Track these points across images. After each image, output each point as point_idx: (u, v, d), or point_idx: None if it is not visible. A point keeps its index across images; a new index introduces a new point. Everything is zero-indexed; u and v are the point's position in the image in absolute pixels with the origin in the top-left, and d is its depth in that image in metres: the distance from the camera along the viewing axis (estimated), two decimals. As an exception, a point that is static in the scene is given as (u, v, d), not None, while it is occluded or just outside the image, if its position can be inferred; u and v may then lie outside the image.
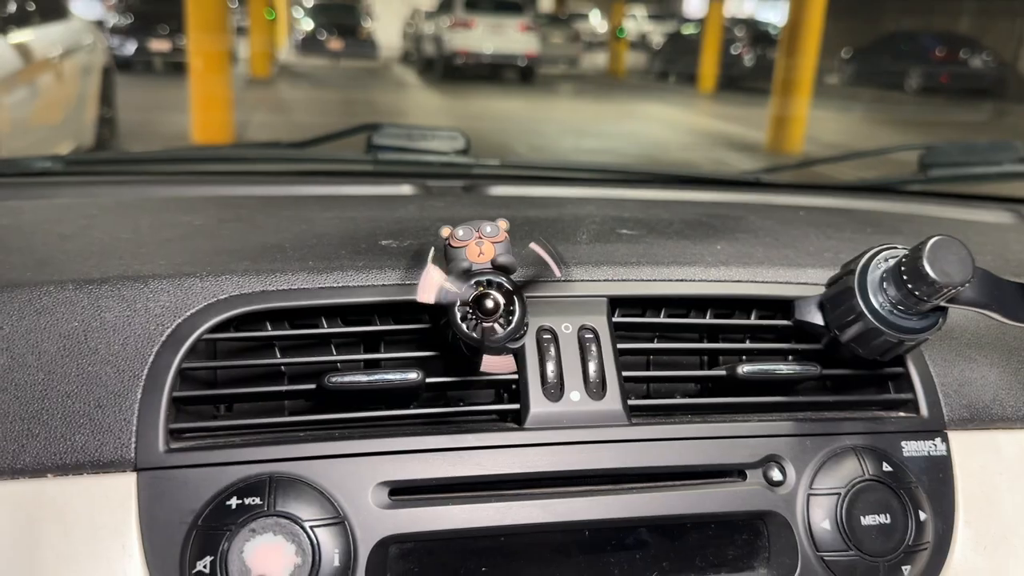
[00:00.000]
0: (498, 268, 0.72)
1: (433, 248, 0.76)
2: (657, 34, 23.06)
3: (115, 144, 6.32)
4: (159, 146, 7.29)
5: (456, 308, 0.69)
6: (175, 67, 11.85)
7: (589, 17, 28.10)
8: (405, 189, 1.40)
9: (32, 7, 5.20)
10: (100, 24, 10.41)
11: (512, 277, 0.71)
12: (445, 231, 0.73)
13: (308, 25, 19.30)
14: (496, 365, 0.69)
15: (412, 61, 18.79)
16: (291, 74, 15.12)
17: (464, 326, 0.69)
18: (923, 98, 15.43)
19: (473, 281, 0.70)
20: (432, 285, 0.69)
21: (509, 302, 0.70)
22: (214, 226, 0.94)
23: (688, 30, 18.98)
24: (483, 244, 0.72)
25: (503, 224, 0.74)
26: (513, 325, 0.70)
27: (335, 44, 18.13)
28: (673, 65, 18.28)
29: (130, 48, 12.40)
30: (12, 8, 4.95)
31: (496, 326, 0.69)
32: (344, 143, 1.73)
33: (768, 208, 1.25)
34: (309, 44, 18.62)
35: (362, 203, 1.19)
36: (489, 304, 0.69)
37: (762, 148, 9.51)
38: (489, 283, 0.70)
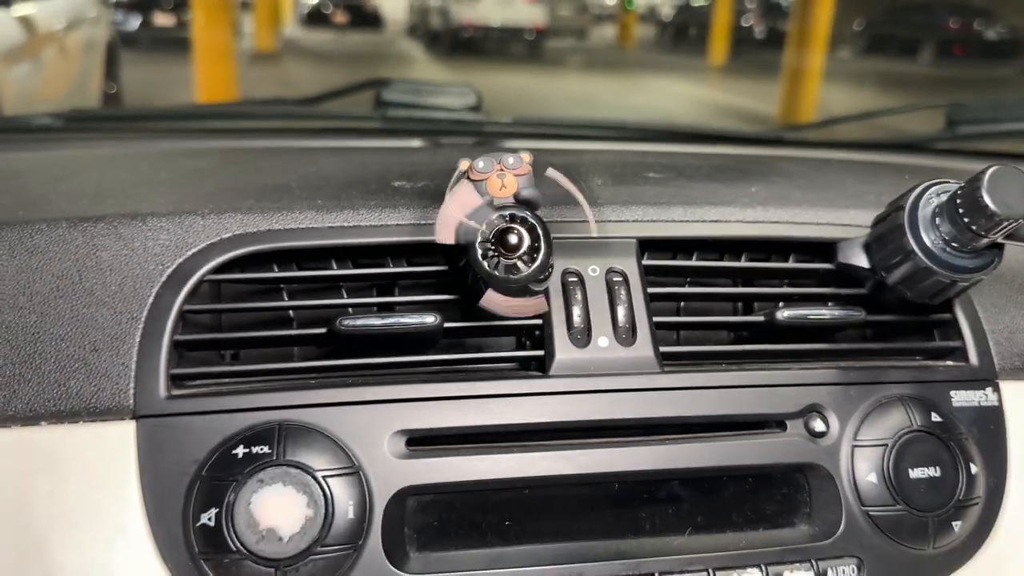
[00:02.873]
0: (521, 203, 0.67)
1: (452, 181, 0.71)
2: (667, 5, 22.77)
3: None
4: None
5: (477, 245, 0.64)
6: (179, 42, 11.77)
7: (597, -11, 27.77)
8: (415, 144, 1.35)
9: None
10: (104, -2, 10.32)
11: (537, 213, 0.66)
12: (464, 163, 0.68)
13: (313, -1, 19.16)
14: (499, 303, 0.65)
15: (418, 34, 18.62)
16: (296, 49, 15.00)
17: (485, 264, 0.64)
18: (936, 70, 15.21)
19: (495, 215, 0.65)
20: (451, 221, 0.64)
21: (534, 238, 0.65)
22: (216, 167, 0.89)
23: (698, 1, 18.74)
24: (505, 176, 0.67)
25: (526, 156, 0.68)
26: (539, 263, 0.65)
27: (340, 17, 17.99)
28: (683, 37, 18.07)
29: (134, 23, 12.30)
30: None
31: (519, 263, 0.64)
32: (352, 100, 1.68)
33: (800, 159, 1.19)
34: (314, 18, 18.48)
35: (372, 152, 1.14)
36: (513, 239, 0.64)
37: (773, 121, 9.39)
38: (512, 217, 0.65)
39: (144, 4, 12.46)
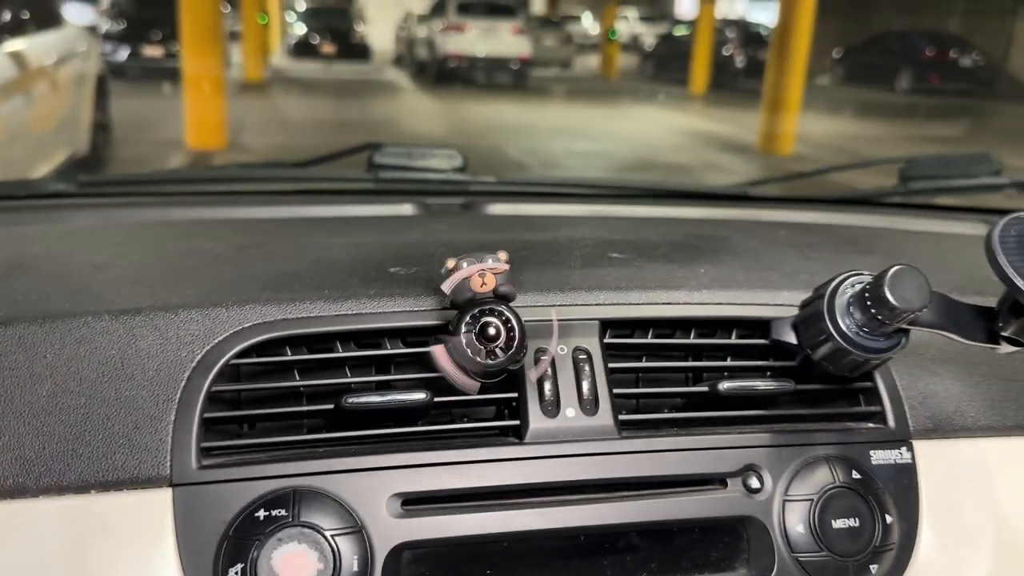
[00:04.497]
0: (499, 297, 0.79)
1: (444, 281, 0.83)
2: (649, 36, 23.18)
3: (110, 151, 6.37)
4: (152, 152, 7.37)
5: (462, 336, 0.76)
6: (168, 73, 11.91)
7: (581, 19, 28.22)
8: (406, 208, 1.47)
9: (27, 15, 5.24)
10: (93, 30, 10.45)
11: (511, 305, 0.79)
12: (450, 263, 0.80)
13: (301, 29, 19.36)
14: (461, 380, 0.77)
15: (405, 64, 18.86)
16: (284, 79, 15.18)
17: (469, 351, 0.76)
18: (913, 98, 15.55)
19: (477, 311, 0.77)
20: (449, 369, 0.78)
21: (509, 329, 0.77)
22: (234, 253, 1.01)
23: (680, 31, 19.11)
24: (485, 275, 0.79)
25: (503, 256, 0.81)
26: (514, 349, 0.77)
27: (328, 48, 18.20)
28: (665, 67, 18.39)
29: (123, 54, 12.42)
30: (7, 16, 4.99)
31: (498, 350, 0.76)
32: (345, 161, 1.80)
33: (753, 226, 1.32)
34: (302, 48, 18.67)
35: (368, 225, 1.26)
36: (491, 331, 0.76)
37: (753, 149, 9.60)
38: (491, 311, 0.77)
39: (133, 36, 12.59)
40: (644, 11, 30.12)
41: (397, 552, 0.76)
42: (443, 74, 15.37)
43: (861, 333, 0.81)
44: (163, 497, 0.75)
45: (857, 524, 0.83)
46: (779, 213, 1.58)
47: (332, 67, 17.30)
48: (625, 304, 0.89)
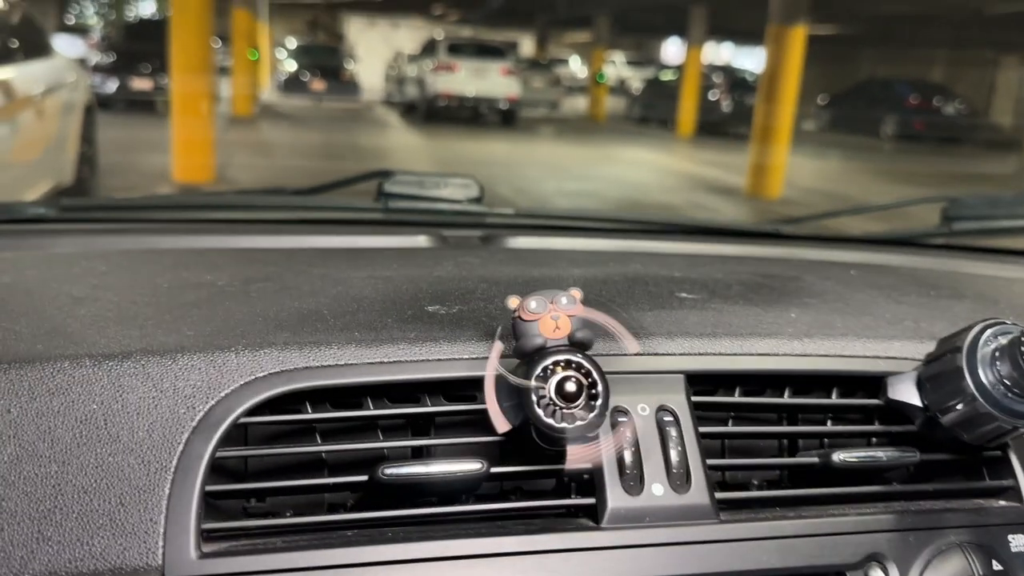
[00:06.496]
0: (575, 344, 0.64)
1: (499, 327, 0.68)
2: (636, 80, 23.35)
3: (95, 183, 6.22)
4: (138, 183, 7.21)
5: (532, 392, 0.61)
6: (157, 105, 11.78)
7: (569, 62, 28.44)
8: (420, 240, 1.33)
9: (15, 43, 5.13)
10: (83, 62, 10.34)
11: (590, 354, 0.64)
12: (513, 301, 0.66)
13: (291, 66, 19.35)
14: (582, 457, 0.61)
15: (394, 103, 18.86)
16: (273, 114, 15.10)
17: (542, 413, 0.61)
18: (898, 144, 15.69)
19: (550, 361, 0.62)
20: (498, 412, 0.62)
21: (591, 384, 0.62)
22: (241, 287, 0.85)
23: (667, 76, 19.25)
24: (559, 318, 0.64)
25: (578, 294, 0.66)
26: (597, 411, 0.62)
27: (318, 85, 18.17)
28: (652, 110, 18.50)
29: (112, 86, 12.32)
30: (-3, 45, 4.89)
31: (578, 412, 0.61)
32: (352, 190, 1.66)
33: (814, 265, 1.19)
34: (292, 85, 18.65)
35: (387, 257, 1.11)
36: (571, 387, 0.61)
37: (741, 192, 9.57)
38: (568, 363, 0.62)
39: (122, 68, 12.50)
40: (631, 55, 30.45)
41: (448, 668, 0.60)
42: (433, 112, 15.36)
43: (1010, 394, 0.67)
44: (152, 595, 0.59)
45: None
46: (818, 252, 1.45)
47: (322, 104, 17.26)
48: (714, 355, 0.74)
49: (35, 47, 5.41)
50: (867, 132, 16.48)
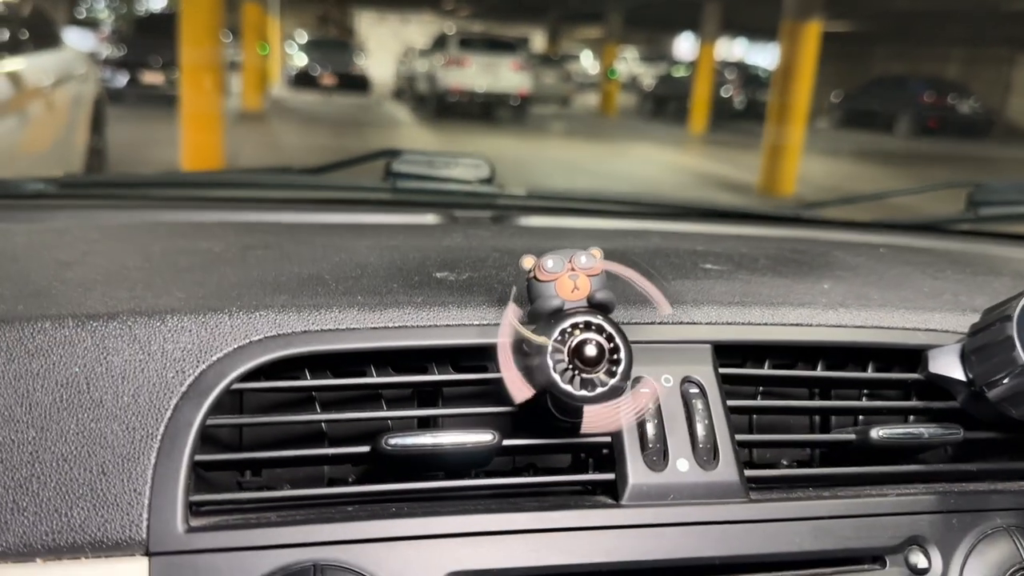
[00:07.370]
0: (595, 307, 0.60)
1: (514, 287, 0.63)
2: (648, 76, 23.23)
3: (104, 174, 6.21)
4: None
5: (548, 357, 0.56)
6: (167, 99, 11.78)
7: (580, 58, 28.34)
8: (429, 218, 1.28)
9: (26, 35, 5.12)
10: (93, 56, 10.35)
11: (611, 317, 0.59)
12: (528, 261, 0.61)
13: (301, 61, 19.33)
14: (600, 421, 0.57)
15: (405, 98, 18.83)
16: (283, 108, 15.08)
17: (559, 378, 0.56)
18: (912, 141, 15.55)
19: (568, 323, 0.57)
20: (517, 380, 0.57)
21: (613, 349, 0.57)
22: (238, 253, 0.81)
23: (679, 72, 19.15)
24: (578, 278, 0.60)
25: (598, 253, 0.61)
26: (619, 376, 0.57)
27: (328, 80, 18.15)
28: (664, 106, 18.40)
29: (122, 80, 12.33)
30: (5, 35, 4.88)
31: (599, 377, 0.57)
32: (360, 170, 1.61)
33: (844, 244, 1.13)
34: (302, 79, 18.63)
35: (396, 231, 1.07)
36: (591, 351, 0.56)
37: (753, 189, 9.48)
38: (588, 325, 0.58)
39: (133, 62, 12.50)
40: (643, 51, 30.31)
41: (455, 654, 0.55)
42: (443, 107, 15.31)
43: (1065, 366, 0.61)
44: (137, 570, 0.54)
45: None
46: (842, 235, 1.40)
47: (332, 98, 17.24)
48: (743, 324, 0.69)
49: (45, 38, 5.41)
50: (881, 129, 16.35)
